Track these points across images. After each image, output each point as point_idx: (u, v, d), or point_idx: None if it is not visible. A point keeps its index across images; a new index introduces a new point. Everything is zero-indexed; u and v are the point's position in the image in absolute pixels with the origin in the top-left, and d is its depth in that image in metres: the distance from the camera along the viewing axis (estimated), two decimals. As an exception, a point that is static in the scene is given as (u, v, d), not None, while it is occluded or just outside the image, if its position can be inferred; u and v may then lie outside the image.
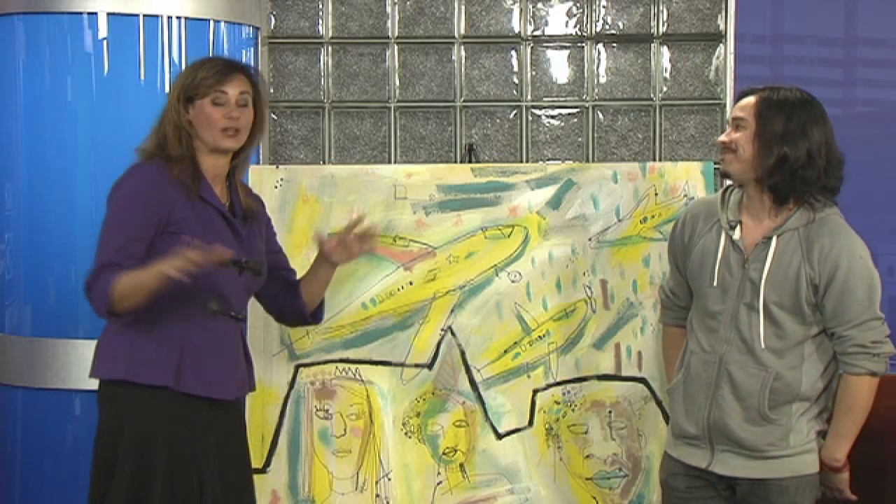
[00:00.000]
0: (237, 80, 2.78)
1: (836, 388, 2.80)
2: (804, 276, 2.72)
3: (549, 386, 3.50)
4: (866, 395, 2.76)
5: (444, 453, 3.49)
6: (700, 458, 2.84)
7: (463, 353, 3.50)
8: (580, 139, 4.18)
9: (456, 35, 4.19)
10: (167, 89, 3.05)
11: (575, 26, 4.19)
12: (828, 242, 2.73)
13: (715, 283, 2.81)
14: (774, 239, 2.76)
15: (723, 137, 2.83)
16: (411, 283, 3.51)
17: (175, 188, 2.70)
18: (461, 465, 3.49)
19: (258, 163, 4.02)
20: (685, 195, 3.52)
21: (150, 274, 2.54)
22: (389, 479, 3.48)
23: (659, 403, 3.49)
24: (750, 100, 2.81)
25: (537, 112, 4.19)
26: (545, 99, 4.19)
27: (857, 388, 2.75)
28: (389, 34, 4.20)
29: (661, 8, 4.16)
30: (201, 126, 2.75)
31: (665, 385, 3.20)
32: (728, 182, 2.93)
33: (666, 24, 4.17)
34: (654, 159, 4.09)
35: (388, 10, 4.19)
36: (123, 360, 2.68)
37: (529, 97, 4.19)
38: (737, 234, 2.81)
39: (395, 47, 4.20)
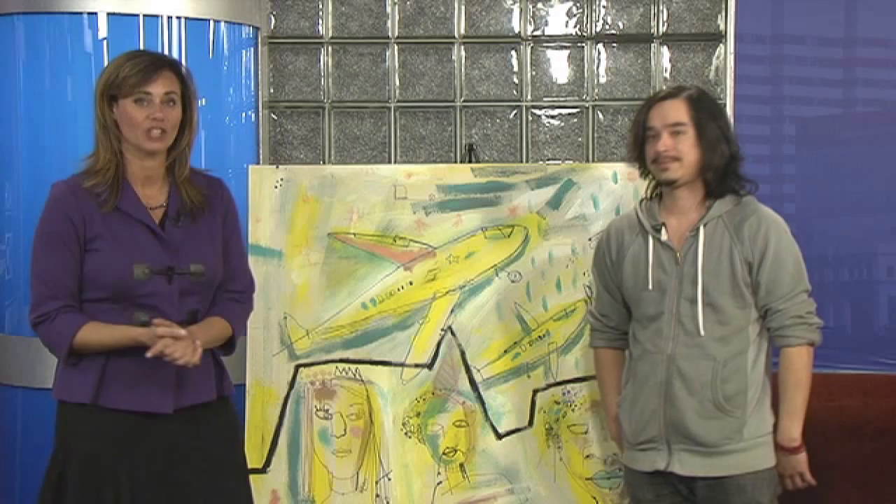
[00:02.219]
0: (162, 79, 2.64)
1: (779, 370, 2.83)
2: (737, 255, 2.78)
3: (549, 386, 3.50)
4: (808, 366, 2.82)
5: (444, 453, 3.49)
6: (658, 460, 2.84)
7: (463, 353, 3.50)
8: (580, 139, 4.18)
9: (456, 35, 4.19)
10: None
11: (575, 26, 4.19)
12: (755, 221, 2.81)
13: (651, 287, 2.84)
14: (701, 229, 2.81)
15: (665, 146, 2.80)
16: (411, 283, 3.51)
17: (87, 202, 2.63)
18: (461, 465, 3.49)
19: (258, 163, 4.02)
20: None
21: (120, 334, 2.59)
22: (389, 479, 3.48)
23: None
24: (678, 103, 2.83)
25: (537, 112, 4.19)
26: (545, 99, 4.19)
27: (799, 361, 2.80)
28: (389, 34, 4.20)
29: (661, 8, 4.16)
30: (125, 127, 2.64)
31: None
32: (642, 196, 2.98)
33: (666, 24, 4.17)
34: (654, 159, 4.09)
35: (388, 10, 4.19)
36: (59, 378, 2.69)
37: (529, 97, 4.19)
38: (664, 236, 2.85)
39: (395, 47, 4.20)
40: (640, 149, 2.88)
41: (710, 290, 2.78)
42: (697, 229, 2.81)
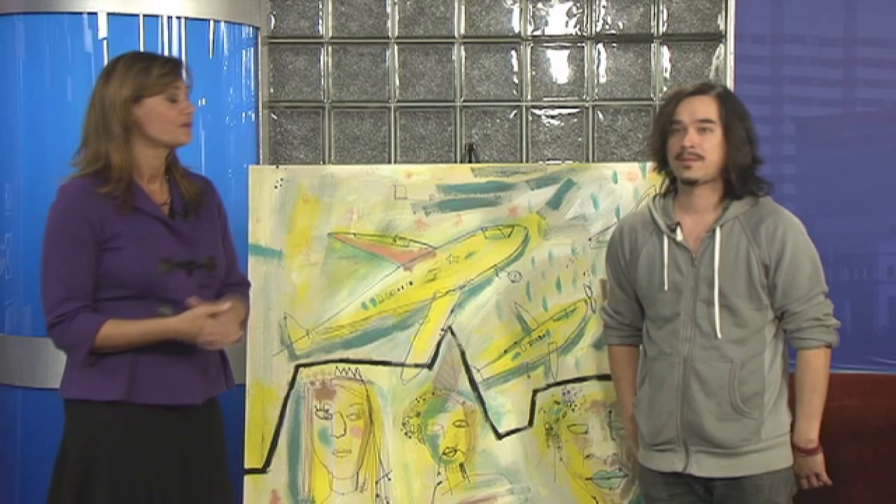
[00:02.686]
0: (182, 76, 2.76)
1: (797, 372, 2.82)
2: (754, 258, 2.76)
3: (549, 386, 3.50)
4: (825, 368, 2.81)
5: (444, 453, 3.49)
6: (676, 462, 2.83)
7: (463, 353, 3.50)
8: (580, 139, 4.18)
9: (456, 35, 4.19)
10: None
11: (575, 26, 4.19)
12: (771, 223, 2.78)
13: (666, 288, 2.82)
14: (718, 230, 2.78)
15: (692, 141, 2.77)
16: (411, 283, 3.51)
17: (104, 203, 2.65)
18: (461, 465, 3.49)
19: (258, 163, 4.02)
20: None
21: (151, 328, 2.62)
22: (389, 479, 3.47)
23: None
24: (708, 100, 2.80)
25: (537, 112, 4.19)
26: (545, 99, 4.19)
27: (817, 363, 2.79)
28: (389, 34, 4.20)
29: (661, 8, 4.16)
30: (153, 124, 2.69)
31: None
32: (653, 191, 2.97)
33: (666, 24, 4.17)
34: (654, 159, 4.09)
35: (388, 10, 4.20)
36: (78, 378, 2.67)
37: (529, 97, 4.19)
38: (679, 236, 2.82)
39: (395, 47, 4.20)
40: (661, 142, 2.85)
41: (727, 293, 2.76)
42: (714, 230, 2.79)
